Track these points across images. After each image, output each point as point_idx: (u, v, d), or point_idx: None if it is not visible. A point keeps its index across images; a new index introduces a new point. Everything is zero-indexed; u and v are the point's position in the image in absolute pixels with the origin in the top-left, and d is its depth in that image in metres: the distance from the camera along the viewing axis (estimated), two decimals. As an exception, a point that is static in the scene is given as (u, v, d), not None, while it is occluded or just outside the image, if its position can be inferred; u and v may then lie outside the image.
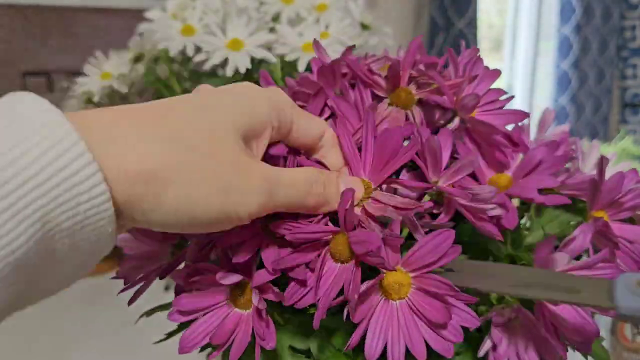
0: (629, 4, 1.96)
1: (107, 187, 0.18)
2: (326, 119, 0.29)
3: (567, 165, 0.30)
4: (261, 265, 0.25)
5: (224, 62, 0.50)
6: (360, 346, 0.24)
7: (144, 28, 0.55)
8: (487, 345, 0.26)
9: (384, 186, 0.26)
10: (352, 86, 0.30)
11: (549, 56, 1.96)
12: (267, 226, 0.25)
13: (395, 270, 0.24)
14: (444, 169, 0.26)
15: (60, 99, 0.86)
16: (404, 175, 0.27)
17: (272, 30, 0.55)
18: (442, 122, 0.29)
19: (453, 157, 0.28)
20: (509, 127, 0.30)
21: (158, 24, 0.53)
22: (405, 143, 0.25)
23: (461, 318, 0.24)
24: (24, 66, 1.10)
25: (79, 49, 1.11)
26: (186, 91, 0.58)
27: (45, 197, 0.16)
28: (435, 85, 0.29)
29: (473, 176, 0.29)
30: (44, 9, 1.09)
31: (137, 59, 0.58)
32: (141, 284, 0.29)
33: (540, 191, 0.28)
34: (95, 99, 0.57)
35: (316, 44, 0.31)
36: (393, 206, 0.24)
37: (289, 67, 0.53)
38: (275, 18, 0.56)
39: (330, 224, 0.25)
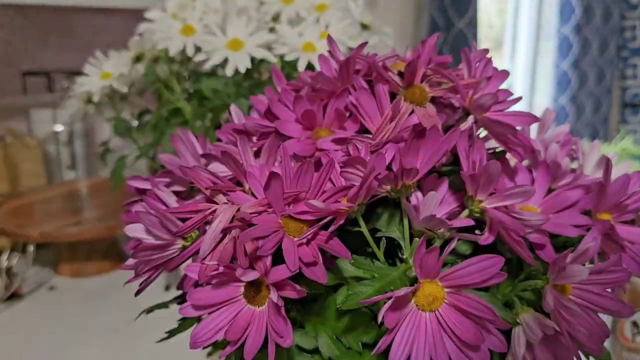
0: (629, 4, 1.96)
1: None
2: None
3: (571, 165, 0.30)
4: (276, 262, 0.24)
5: (224, 62, 0.50)
6: (369, 347, 0.23)
7: (144, 28, 0.55)
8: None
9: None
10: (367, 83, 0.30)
11: (548, 56, 1.96)
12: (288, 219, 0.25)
13: (431, 282, 0.24)
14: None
15: (60, 99, 0.86)
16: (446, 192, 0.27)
17: (272, 30, 0.55)
18: (451, 122, 0.29)
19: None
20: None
21: (158, 24, 0.53)
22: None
23: (490, 342, 0.23)
24: (24, 66, 1.10)
25: (79, 49, 1.11)
26: (186, 91, 0.58)
27: None
28: (446, 84, 0.29)
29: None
30: (44, 9, 1.09)
31: (137, 59, 0.58)
32: (149, 274, 0.28)
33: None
34: (95, 98, 0.57)
35: (330, 39, 0.31)
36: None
37: (289, 67, 0.53)
38: (275, 18, 0.56)
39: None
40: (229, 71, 0.49)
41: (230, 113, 0.33)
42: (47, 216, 0.88)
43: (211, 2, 0.54)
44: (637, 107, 2.03)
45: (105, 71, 0.58)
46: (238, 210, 0.26)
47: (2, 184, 0.97)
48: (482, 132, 0.29)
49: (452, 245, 0.23)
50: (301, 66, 0.50)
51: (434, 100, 0.29)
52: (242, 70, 0.49)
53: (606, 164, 0.27)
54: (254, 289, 0.25)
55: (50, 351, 0.63)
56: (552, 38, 1.93)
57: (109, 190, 0.94)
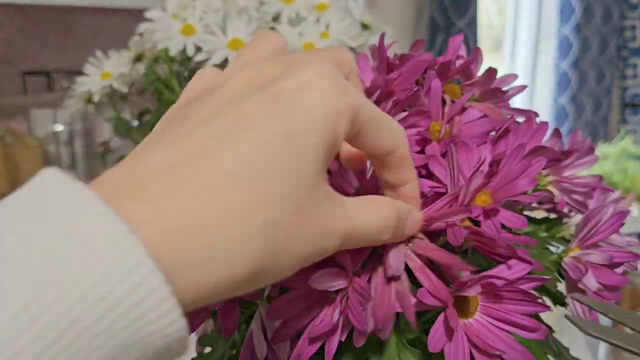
0: (629, 4, 1.96)
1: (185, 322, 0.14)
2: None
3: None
4: None
5: (225, 62, 0.50)
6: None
7: (144, 28, 0.55)
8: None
9: None
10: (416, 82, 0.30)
11: (549, 56, 1.96)
12: None
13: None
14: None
15: (60, 98, 0.86)
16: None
17: (272, 29, 0.55)
18: None
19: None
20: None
21: (158, 24, 0.53)
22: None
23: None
24: (24, 66, 1.10)
25: (79, 49, 1.11)
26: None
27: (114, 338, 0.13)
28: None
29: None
30: (44, 8, 1.09)
31: (137, 58, 0.58)
32: None
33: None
34: (95, 98, 0.57)
35: (382, 37, 0.29)
36: None
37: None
38: (276, 18, 0.56)
39: None
40: (229, 71, 0.49)
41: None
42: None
43: (211, 2, 0.54)
44: (637, 107, 2.03)
45: (106, 71, 0.58)
46: None
47: (2, 184, 0.97)
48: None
49: None
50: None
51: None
52: (242, 70, 0.49)
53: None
54: None
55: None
56: (552, 38, 1.93)
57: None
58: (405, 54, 0.31)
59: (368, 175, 0.25)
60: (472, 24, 1.60)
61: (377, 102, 0.27)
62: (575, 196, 0.29)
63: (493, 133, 0.29)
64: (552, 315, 0.35)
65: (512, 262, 0.22)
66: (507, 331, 0.22)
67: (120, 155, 0.60)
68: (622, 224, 0.26)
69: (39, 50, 1.11)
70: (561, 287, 0.29)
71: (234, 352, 0.30)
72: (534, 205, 0.31)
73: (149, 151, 0.16)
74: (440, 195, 0.25)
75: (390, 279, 0.21)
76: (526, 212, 0.32)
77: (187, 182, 0.15)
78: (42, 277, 0.12)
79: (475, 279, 0.22)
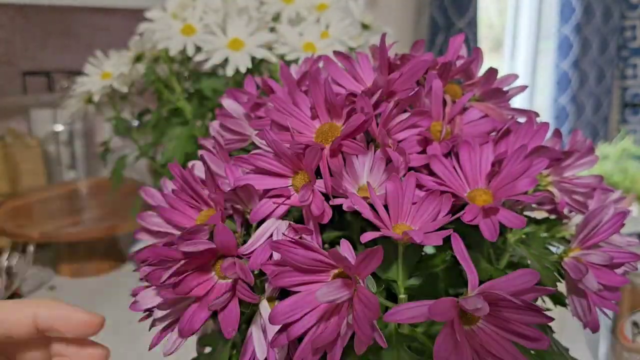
0: (629, 4, 1.96)
1: None
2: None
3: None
4: None
5: (225, 62, 0.50)
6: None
7: (144, 28, 0.55)
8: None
9: None
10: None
11: (549, 56, 1.96)
12: None
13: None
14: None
15: (60, 98, 0.86)
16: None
17: (272, 30, 0.55)
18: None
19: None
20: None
21: (158, 24, 0.53)
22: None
23: None
24: (24, 66, 1.10)
25: (79, 49, 1.11)
26: (186, 91, 0.58)
27: None
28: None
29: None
30: (44, 8, 1.09)
31: (137, 58, 0.58)
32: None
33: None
34: (95, 98, 0.57)
35: (383, 37, 0.29)
36: None
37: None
38: (276, 18, 0.56)
39: None
40: (229, 71, 0.49)
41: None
42: (47, 216, 0.88)
43: (211, 2, 0.54)
44: (637, 107, 2.03)
45: (106, 71, 0.58)
46: None
47: (2, 184, 0.97)
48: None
49: None
50: (301, 66, 0.50)
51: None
52: (243, 70, 0.49)
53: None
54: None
55: (51, 351, 0.63)
56: (552, 38, 1.93)
57: (109, 190, 0.94)
58: (406, 54, 0.31)
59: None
60: (472, 24, 1.60)
61: (378, 102, 0.27)
62: (576, 196, 0.29)
63: (494, 133, 0.29)
64: (552, 315, 0.35)
65: (517, 272, 0.22)
66: (511, 340, 0.22)
67: (120, 155, 0.60)
68: (623, 225, 0.26)
69: (39, 50, 1.10)
70: (561, 287, 0.29)
71: (234, 352, 0.30)
72: (534, 205, 0.31)
73: None
74: (442, 192, 0.25)
75: None
76: (526, 212, 0.32)
77: None
78: None
79: (479, 291, 0.21)
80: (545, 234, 0.32)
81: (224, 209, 0.28)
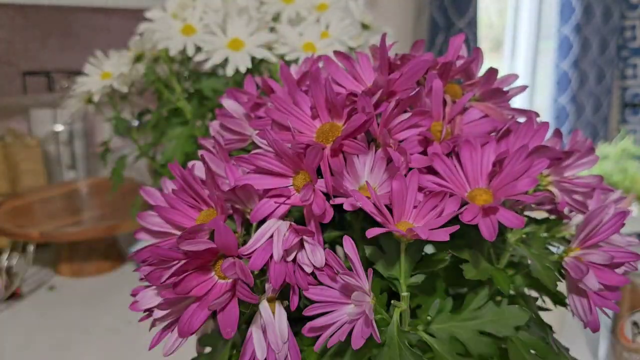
0: (629, 4, 1.96)
1: None
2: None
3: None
4: None
5: (225, 62, 0.50)
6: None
7: (144, 28, 0.55)
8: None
9: None
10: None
11: (549, 56, 1.96)
12: None
13: None
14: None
15: (60, 98, 0.86)
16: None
17: (272, 30, 0.55)
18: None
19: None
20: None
21: (158, 24, 0.53)
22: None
23: None
24: (24, 66, 1.10)
25: (79, 49, 1.11)
26: (186, 91, 0.58)
27: None
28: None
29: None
30: (44, 8, 1.09)
31: (137, 58, 0.58)
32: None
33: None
34: (95, 98, 0.57)
35: (383, 37, 0.29)
36: None
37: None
38: (276, 18, 0.56)
39: None
40: (229, 71, 0.49)
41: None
42: (47, 216, 0.88)
43: (211, 1, 0.54)
44: (637, 107, 2.03)
45: (106, 71, 0.58)
46: None
47: (2, 183, 0.97)
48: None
49: None
50: (301, 66, 0.50)
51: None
52: (243, 70, 0.49)
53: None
54: None
55: (50, 351, 0.63)
56: (552, 38, 1.93)
57: (109, 190, 0.94)
58: (406, 54, 0.31)
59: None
60: (472, 24, 1.60)
61: (379, 102, 0.27)
62: (576, 196, 0.29)
63: (494, 133, 0.29)
64: (552, 315, 0.35)
65: None
66: None
67: (120, 155, 0.60)
68: (623, 225, 0.26)
69: (39, 50, 1.10)
70: (561, 287, 0.29)
71: (234, 352, 0.30)
72: (534, 205, 0.31)
73: None
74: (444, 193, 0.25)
75: None
76: (526, 212, 0.32)
77: None
78: None
79: None
80: (545, 234, 0.32)
81: (224, 209, 0.28)
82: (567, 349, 0.31)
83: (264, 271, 0.26)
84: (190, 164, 0.32)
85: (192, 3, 0.55)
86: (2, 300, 0.75)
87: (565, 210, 0.31)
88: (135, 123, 0.63)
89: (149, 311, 0.28)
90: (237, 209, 0.29)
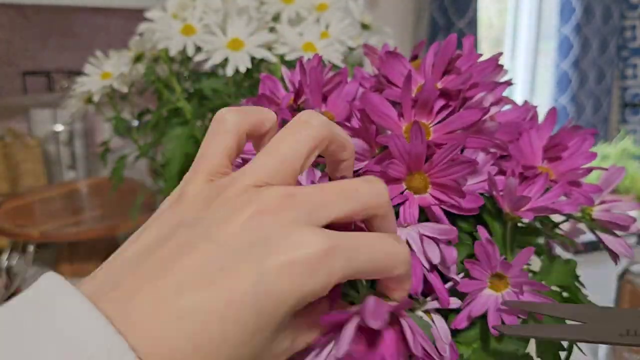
0: (629, 4, 1.96)
1: None
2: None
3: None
4: None
5: (224, 62, 0.50)
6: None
7: (144, 28, 0.55)
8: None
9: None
10: None
11: (549, 56, 1.96)
12: None
13: None
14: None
15: (60, 98, 0.86)
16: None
17: (272, 30, 0.55)
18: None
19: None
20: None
21: (158, 24, 0.53)
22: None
23: None
24: (24, 66, 1.10)
25: (79, 49, 1.11)
26: (186, 91, 0.58)
27: None
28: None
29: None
30: (44, 9, 1.09)
31: (137, 58, 0.58)
32: None
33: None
34: (95, 98, 0.57)
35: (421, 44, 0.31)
36: None
37: (289, 66, 0.53)
38: (276, 18, 0.56)
39: None
40: (229, 71, 0.49)
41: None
42: (47, 216, 0.88)
43: (211, 2, 0.54)
44: (637, 107, 2.03)
45: (106, 71, 0.58)
46: None
47: (2, 183, 0.97)
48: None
49: None
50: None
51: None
52: (243, 70, 0.49)
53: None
54: None
55: (50, 351, 0.63)
56: (552, 38, 1.93)
57: (109, 190, 0.94)
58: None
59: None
60: (472, 24, 1.60)
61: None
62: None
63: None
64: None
65: None
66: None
67: (120, 155, 0.60)
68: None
69: (39, 50, 1.10)
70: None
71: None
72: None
73: (156, 268, 0.18)
74: None
75: None
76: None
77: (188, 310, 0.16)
78: None
79: None
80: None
81: None
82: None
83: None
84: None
85: (192, 3, 0.55)
86: (3, 300, 0.75)
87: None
88: (135, 123, 0.63)
89: None
90: None
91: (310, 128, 0.20)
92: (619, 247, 0.29)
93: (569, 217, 0.31)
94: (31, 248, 0.81)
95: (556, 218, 0.32)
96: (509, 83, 0.30)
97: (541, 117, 0.32)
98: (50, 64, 1.12)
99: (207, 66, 0.50)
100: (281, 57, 0.53)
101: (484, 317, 0.25)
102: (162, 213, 0.21)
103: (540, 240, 0.31)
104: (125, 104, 0.62)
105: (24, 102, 1.07)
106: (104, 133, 1.13)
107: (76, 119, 1.04)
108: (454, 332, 0.26)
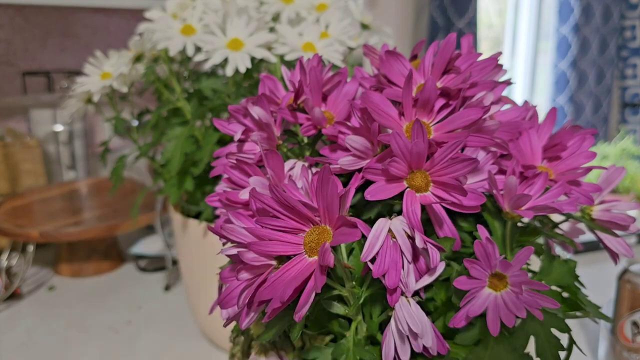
0: (628, 4, 1.96)
1: None
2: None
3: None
4: None
5: (224, 62, 0.50)
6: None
7: (144, 28, 0.55)
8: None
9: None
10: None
11: (548, 56, 1.96)
12: None
13: None
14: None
15: (60, 99, 0.86)
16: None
17: (272, 30, 0.55)
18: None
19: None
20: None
21: (158, 24, 0.53)
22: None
23: None
24: (24, 66, 1.10)
25: (79, 49, 1.11)
26: (186, 91, 0.58)
27: None
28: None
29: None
30: (44, 9, 1.09)
31: (137, 58, 0.58)
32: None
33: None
34: (95, 98, 0.57)
35: (421, 43, 0.31)
36: None
37: (289, 66, 0.53)
38: (275, 18, 0.56)
39: None
40: (229, 71, 0.49)
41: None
42: (47, 216, 0.88)
43: (211, 2, 0.54)
44: (637, 107, 2.03)
45: (105, 71, 0.58)
46: None
47: (2, 184, 0.97)
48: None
49: None
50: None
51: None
52: (242, 70, 0.49)
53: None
54: None
55: (50, 351, 0.63)
56: (551, 38, 1.93)
57: (109, 190, 0.94)
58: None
59: None
60: (472, 24, 1.60)
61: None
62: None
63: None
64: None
65: None
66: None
67: (120, 155, 0.60)
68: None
69: (39, 50, 1.10)
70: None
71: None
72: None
73: None
74: None
75: None
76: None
77: None
78: None
79: None
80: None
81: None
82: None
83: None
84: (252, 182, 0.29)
85: (191, 3, 0.55)
86: (2, 300, 0.75)
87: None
88: (135, 123, 0.63)
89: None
90: None
91: None
92: (619, 246, 0.29)
93: (568, 216, 0.31)
94: (31, 248, 0.81)
95: (556, 218, 0.32)
96: (508, 82, 0.30)
97: (541, 116, 0.32)
98: (50, 64, 1.12)
99: (207, 66, 0.50)
100: (281, 57, 0.53)
101: (483, 316, 0.25)
102: None
103: (540, 240, 0.31)
104: (124, 104, 0.62)
105: (24, 102, 1.06)
106: (103, 133, 1.13)
107: (76, 119, 1.04)
108: (453, 333, 0.26)
